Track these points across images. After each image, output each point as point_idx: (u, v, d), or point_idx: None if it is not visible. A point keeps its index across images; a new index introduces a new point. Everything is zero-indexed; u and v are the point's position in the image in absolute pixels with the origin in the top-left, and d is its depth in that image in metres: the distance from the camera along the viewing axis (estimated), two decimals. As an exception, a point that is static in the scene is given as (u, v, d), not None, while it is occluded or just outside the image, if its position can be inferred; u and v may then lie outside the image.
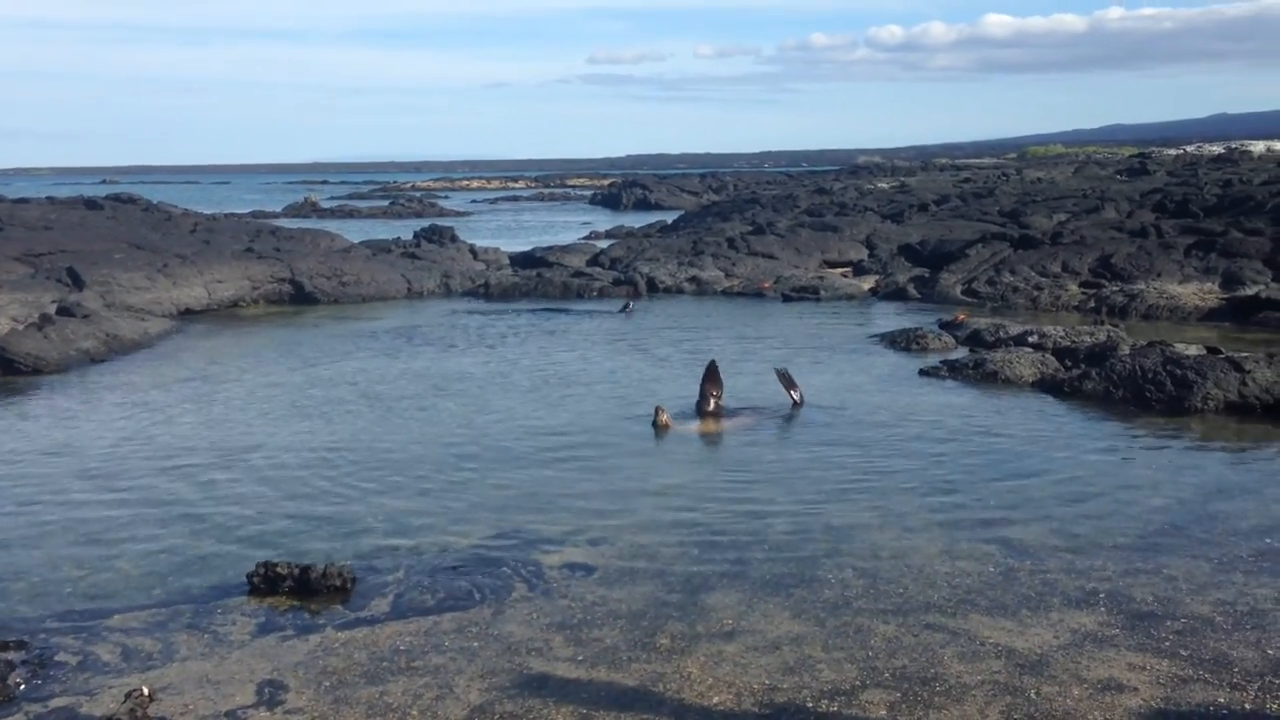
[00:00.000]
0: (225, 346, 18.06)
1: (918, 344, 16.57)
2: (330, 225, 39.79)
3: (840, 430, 11.56)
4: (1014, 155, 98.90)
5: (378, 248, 28.64)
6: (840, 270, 26.48)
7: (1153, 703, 5.58)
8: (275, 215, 56.90)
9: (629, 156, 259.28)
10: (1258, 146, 50.11)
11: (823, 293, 23.17)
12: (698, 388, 12.50)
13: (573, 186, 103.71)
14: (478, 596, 7.18)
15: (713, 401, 12.19)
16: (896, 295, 22.99)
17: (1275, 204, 24.95)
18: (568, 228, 48.70)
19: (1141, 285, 20.72)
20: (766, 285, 24.35)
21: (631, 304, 21.49)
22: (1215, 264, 20.96)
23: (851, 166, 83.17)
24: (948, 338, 17.00)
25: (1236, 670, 5.92)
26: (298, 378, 15.02)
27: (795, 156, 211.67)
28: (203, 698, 5.87)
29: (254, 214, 53.13)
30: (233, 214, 43.83)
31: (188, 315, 21.26)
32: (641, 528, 8.48)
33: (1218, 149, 51.59)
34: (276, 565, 7.38)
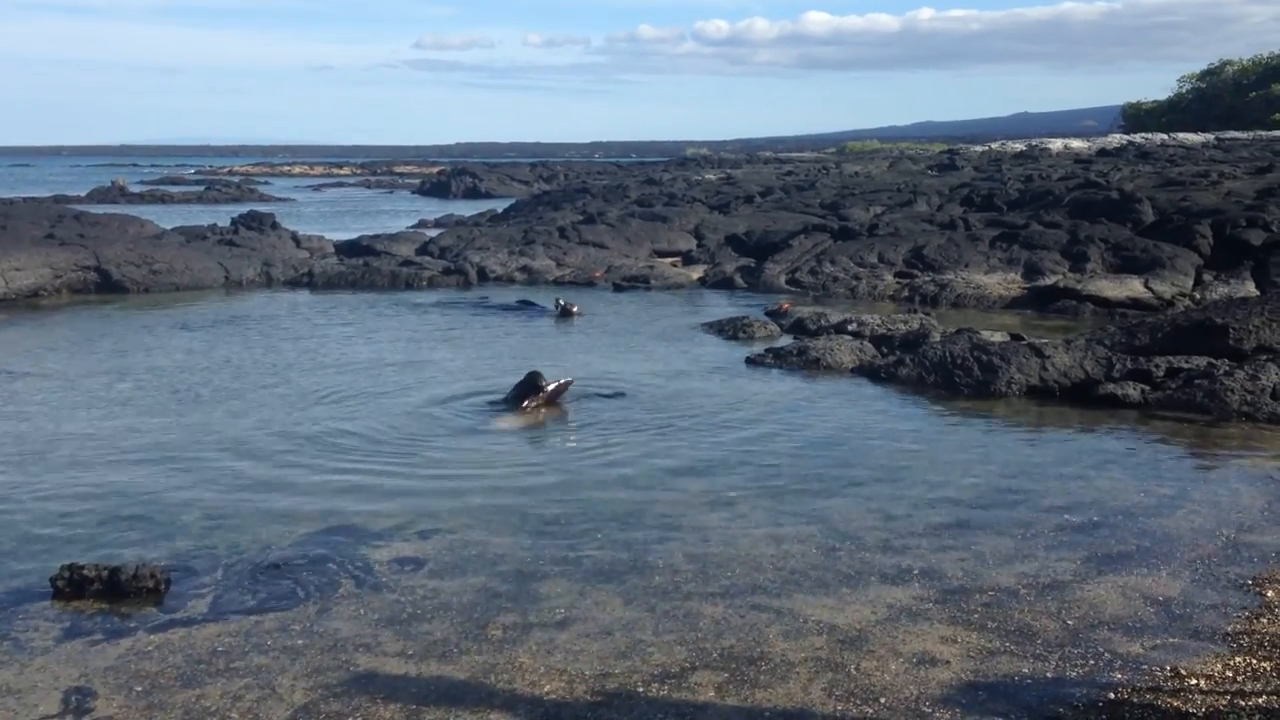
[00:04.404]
0: (25, 338, 16.99)
1: (744, 332, 16.96)
2: (141, 211, 37.80)
3: (670, 418, 11.71)
4: (833, 150, 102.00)
5: (192, 234, 27.37)
6: (670, 260, 26.82)
7: (963, 675, 5.87)
8: (80, 200, 53.88)
9: (458, 144, 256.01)
10: (1056, 144, 52.95)
11: (653, 282, 23.44)
12: (520, 380, 12.41)
13: (400, 174, 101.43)
14: (302, 594, 6.97)
15: (537, 398, 12.09)
16: (724, 284, 23.47)
17: (1072, 199, 26.57)
18: (395, 216, 47.75)
19: (951, 275, 21.74)
20: (598, 275, 24.47)
21: (567, 306, 19.29)
22: (1018, 255, 22.19)
23: (680, 158, 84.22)
24: (773, 326, 17.47)
25: (1039, 641, 6.28)
26: (105, 370, 14.26)
27: (625, 147, 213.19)
28: (2, 708, 5.52)
29: (56, 198, 50.03)
30: (32, 198, 41.30)
31: (-18, 305, 19.90)
32: (472, 519, 8.40)
33: (1020, 146, 54.26)
34: (82, 567, 6.99)
